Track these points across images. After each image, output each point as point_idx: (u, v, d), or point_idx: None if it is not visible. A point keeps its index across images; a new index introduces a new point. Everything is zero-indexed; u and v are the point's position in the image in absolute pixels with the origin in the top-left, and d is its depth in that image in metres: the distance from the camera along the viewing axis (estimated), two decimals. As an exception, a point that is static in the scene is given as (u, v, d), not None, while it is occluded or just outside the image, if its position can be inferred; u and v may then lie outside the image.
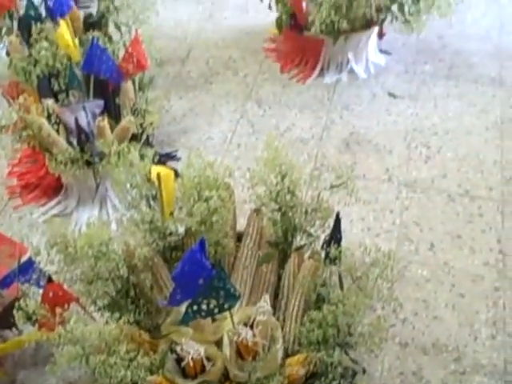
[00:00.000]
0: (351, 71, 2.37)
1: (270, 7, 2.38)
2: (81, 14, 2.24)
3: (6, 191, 1.99)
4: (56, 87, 1.89)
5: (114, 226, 1.83)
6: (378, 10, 2.22)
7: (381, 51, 2.45)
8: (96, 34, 1.97)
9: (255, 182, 1.51)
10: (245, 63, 2.44)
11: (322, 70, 2.37)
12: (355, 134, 2.16)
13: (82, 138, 1.78)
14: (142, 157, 1.58)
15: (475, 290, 1.70)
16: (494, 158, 2.05)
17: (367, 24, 2.27)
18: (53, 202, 1.95)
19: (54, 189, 1.97)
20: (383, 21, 2.30)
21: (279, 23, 2.37)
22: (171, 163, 2.04)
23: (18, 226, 1.88)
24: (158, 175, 1.45)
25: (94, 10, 2.29)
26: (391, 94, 2.30)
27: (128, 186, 1.57)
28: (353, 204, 1.84)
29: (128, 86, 1.94)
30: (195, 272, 1.28)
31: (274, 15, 2.39)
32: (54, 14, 2.09)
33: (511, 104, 2.25)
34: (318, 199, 1.54)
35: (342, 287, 1.44)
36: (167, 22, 2.61)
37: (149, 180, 1.55)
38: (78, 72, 1.94)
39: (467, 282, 1.72)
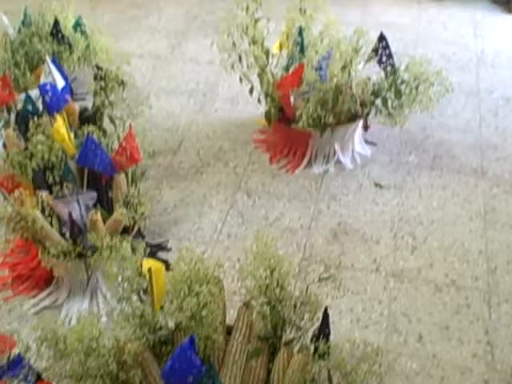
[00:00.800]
0: (338, 162, 2.44)
1: (259, 101, 2.48)
2: (76, 106, 2.33)
3: (-3, 282, 2.00)
4: (51, 180, 1.94)
5: (104, 318, 1.83)
6: (363, 104, 2.32)
7: (366, 142, 2.53)
8: (91, 128, 2.03)
9: (245, 276, 1.54)
10: (235, 154, 2.51)
11: (309, 160, 2.44)
12: (343, 223, 2.20)
13: (75, 231, 1.81)
14: (133, 250, 1.61)
15: None
16: (478, 248, 2.10)
17: (352, 117, 2.36)
18: (44, 294, 1.96)
19: (45, 280, 1.98)
20: (368, 114, 2.40)
21: (268, 116, 2.46)
22: (162, 254, 2.07)
23: (7, 318, 1.88)
24: (150, 270, 1.48)
25: (89, 102, 2.38)
26: (377, 184, 2.37)
27: (119, 279, 1.60)
28: (341, 296, 1.88)
29: (121, 179, 1.99)
30: (185, 369, 1.29)
31: (263, 108, 2.49)
32: (50, 109, 2.17)
33: (493, 194, 2.32)
34: (306, 292, 1.56)
35: (330, 383, 1.44)
36: (160, 113, 2.70)
37: (140, 274, 1.58)
38: (73, 165, 1.99)
39: (456, 374, 1.72)
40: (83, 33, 2.77)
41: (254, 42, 2.34)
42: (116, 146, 2.05)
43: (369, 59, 2.33)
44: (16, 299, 1.95)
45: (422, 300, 1.93)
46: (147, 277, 1.52)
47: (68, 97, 2.33)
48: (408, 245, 2.12)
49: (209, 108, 2.79)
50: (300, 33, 2.37)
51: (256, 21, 2.34)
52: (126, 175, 2.04)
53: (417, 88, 2.26)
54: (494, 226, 2.19)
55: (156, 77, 3.00)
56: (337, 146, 2.41)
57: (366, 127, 2.51)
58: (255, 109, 2.61)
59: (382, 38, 2.35)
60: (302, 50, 2.37)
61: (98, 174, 2.00)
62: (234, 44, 2.34)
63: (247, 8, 2.31)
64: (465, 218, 2.22)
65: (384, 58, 2.37)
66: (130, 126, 2.07)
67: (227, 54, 2.36)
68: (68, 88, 2.40)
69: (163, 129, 2.64)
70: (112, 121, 2.23)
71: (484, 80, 2.97)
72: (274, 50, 2.44)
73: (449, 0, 3.65)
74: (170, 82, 2.97)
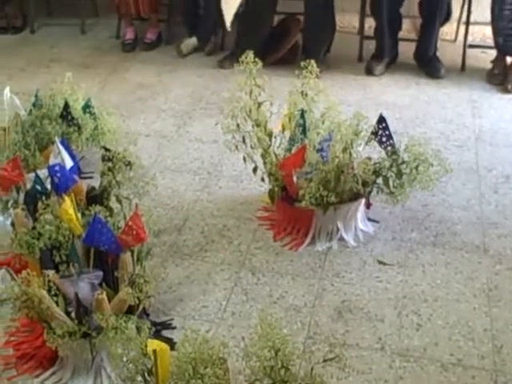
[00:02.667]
0: (341, 239, 2.47)
1: (262, 179, 2.54)
2: (84, 185, 2.38)
3: (1, 361, 1.99)
4: (58, 259, 1.97)
5: (108, 399, 1.82)
6: (364, 183, 2.36)
7: (369, 220, 2.57)
8: (98, 208, 2.07)
9: (249, 357, 1.55)
10: (239, 232, 2.54)
11: (313, 238, 2.47)
12: (347, 301, 2.21)
13: (81, 310, 1.83)
14: (138, 330, 1.62)
15: None
16: (483, 326, 2.09)
17: (355, 196, 2.41)
18: (47, 373, 1.95)
19: (49, 359, 1.97)
20: (370, 193, 2.45)
21: (271, 194, 2.51)
22: (166, 332, 2.07)
23: (10, 398, 1.87)
24: (155, 352, 1.48)
25: (96, 180, 2.43)
26: (380, 262, 2.39)
27: (124, 359, 1.60)
28: (346, 376, 1.87)
29: (126, 258, 2.02)
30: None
31: (266, 186, 2.54)
32: (59, 189, 2.23)
33: (496, 271, 2.34)
34: (311, 374, 1.56)
35: None
36: (165, 192, 2.75)
37: (145, 354, 1.58)
38: (79, 244, 2.03)
39: None
40: (92, 114, 2.86)
41: (257, 124, 2.42)
42: (122, 224, 2.09)
43: (369, 141, 2.40)
44: (20, 379, 1.94)
45: (428, 380, 1.91)
46: (152, 358, 1.53)
47: (76, 177, 2.39)
48: (413, 323, 2.12)
49: (213, 186, 2.85)
50: (302, 115, 2.44)
51: (259, 104, 2.42)
52: (132, 254, 2.07)
53: (417, 168, 2.32)
54: (497, 303, 2.19)
55: (162, 155, 3.07)
56: (340, 224, 2.45)
57: (368, 205, 2.56)
58: (259, 187, 2.67)
59: (381, 119, 2.43)
60: (304, 132, 2.44)
61: (104, 252, 2.04)
62: (237, 126, 2.42)
63: (251, 92, 2.40)
64: (469, 296, 2.23)
65: (384, 139, 2.44)
66: (136, 205, 2.11)
67: (231, 136, 2.43)
68: (76, 168, 2.47)
69: (168, 207, 2.68)
70: (118, 200, 2.28)
71: (483, 158, 3.03)
72: (277, 131, 2.51)
73: (446, 80, 3.78)
74: (176, 160, 3.04)
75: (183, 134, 3.27)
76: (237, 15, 3.72)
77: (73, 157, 2.50)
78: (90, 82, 3.69)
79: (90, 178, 2.69)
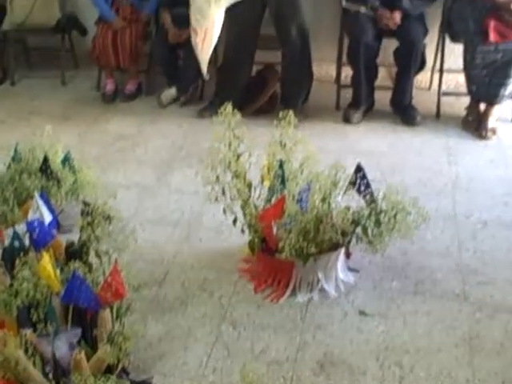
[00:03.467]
0: (322, 290, 2.47)
1: (242, 231, 2.54)
2: (63, 240, 2.37)
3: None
4: (35, 317, 1.94)
5: None
6: (344, 233, 2.38)
7: (349, 270, 2.57)
8: (77, 264, 2.05)
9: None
10: (220, 284, 2.53)
11: (294, 289, 2.46)
12: (329, 354, 2.19)
13: (59, 371, 1.79)
14: (117, 390, 1.60)
15: None
16: (466, 377, 2.09)
17: (334, 246, 2.41)
18: None
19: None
20: (349, 242, 2.46)
21: (252, 246, 2.51)
22: (146, 391, 2.04)
23: None
24: (134, 414, 1.46)
25: (75, 234, 2.40)
26: (362, 312, 2.38)
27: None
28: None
29: (105, 315, 2.00)
30: None
31: (246, 237, 2.54)
32: (37, 245, 2.22)
33: (477, 319, 2.34)
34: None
35: None
36: (145, 245, 2.73)
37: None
38: (58, 302, 2.00)
39: None
40: (71, 167, 2.86)
41: (236, 175, 2.44)
42: (101, 280, 2.07)
43: (347, 190, 2.43)
44: None
45: (412, 434, 1.89)
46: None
47: (55, 232, 2.38)
48: (395, 375, 2.10)
49: (194, 238, 2.84)
50: (281, 166, 2.47)
51: (238, 156, 2.45)
52: (111, 310, 2.04)
53: (395, 217, 2.34)
54: (479, 352, 2.19)
55: (142, 207, 3.07)
56: (320, 275, 2.45)
57: (348, 255, 2.56)
58: (239, 238, 2.66)
59: (359, 168, 2.46)
60: (282, 182, 2.46)
61: (82, 309, 2.01)
62: (217, 178, 2.43)
63: (230, 144, 2.43)
64: (450, 345, 2.22)
65: (362, 188, 2.46)
66: (116, 260, 2.10)
67: (211, 187, 2.44)
68: (55, 222, 2.46)
69: (149, 260, 2.67)
70: (98, 255, 2.26)
71: (460, 204, 3.07)
72: (257, 182, 2.53)
73: (422, 127, 3.84)
74: (156, 212, 3.04)
75: (163, 185, 3.28)
76: (217, 66, 3.76)
77: (52, 211, 2.49)
78: (70, 133, 3.71)
79: (70, 231, 2.67)
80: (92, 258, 2.27)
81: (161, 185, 3.28)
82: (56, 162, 2.86)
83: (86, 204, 2.34)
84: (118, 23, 4.19)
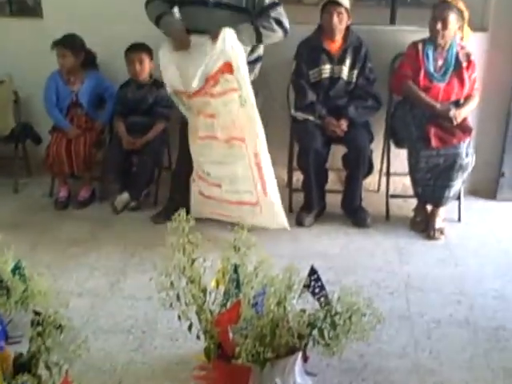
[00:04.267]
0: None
1: (198, 337, 2.50)
2: (11, 351, 2.28)
3: None
4: None
5: None
6: (300, 336, 2.36)
7: (307, 373, 2.53)
8: (25, 377, 1.98)
9: None
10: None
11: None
12: None
13: None
14: None
15: None
16: None
17: (291, 350, 2.39)
18: None
19: None
20: (306, 345, 2.44)
21: (208, 352, 2.46)
22: None
23: None
24: None
25: (25, 344, 2.32)
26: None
27: None
28: None
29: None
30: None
31: (202, 343, 2.49)
32: (-16, 358, 2.13)
33: (437, 421, 2.32)
34: None
35: None
36: (98, 354, 2.66)
37: None
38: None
39: None
40: (22, 276, 2.80)
41: (191, 281, 2.43)
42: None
43: (302, 293, 2.44)
44: None
45: None
46: None
47: (2, 343, 2.30)
48: None
49: (148, 345, 2.78)
50: (235, 270, 2.48)
51: (193, 261, 2.45)
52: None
53: (350, 318, 2.35)
54: None
55: (94, 315, 3.00)
56: (278, 380, 2.39)
57: (305, 358, 2.53)
58: (195, 344, 2.61)
59: (312, 271, 2.49)
60: (237, 286, 2.46)
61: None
62: (171, 283, 2.41)
63: (184, 249, 2.43)
64: None
65: (317, 290, 2.48)
66: (66, 372, 2.03)
67: (165, 293, 2.42)
68: (3, 333, 2.38)
69: (101, 371, 2.58)
70: (47, 366, 2.18)
71: (414, 304, 3.11)
72: (211, 287, 2.52)
73: (373, 229, 3.94)
74: (109, 319, 2.97)
75: (116, 291, 3.23)
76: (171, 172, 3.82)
77: (0, 321, 2.42)
78: (22, 241, 3.65)
79: (19, 342, 2.58)
80: (41, 370, 2.19)
81: (114, 291, 3.23)
82: (6, 271, 2.80)
83: (36, 313, 2.28)
84: (72, 132, 4.26)
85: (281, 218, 3.72)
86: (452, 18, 3.71)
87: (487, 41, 4.19)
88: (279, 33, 3.58)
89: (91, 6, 4.35)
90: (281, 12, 3.60)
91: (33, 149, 4.72)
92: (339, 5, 3.81)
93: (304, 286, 2.46)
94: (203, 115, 3.56)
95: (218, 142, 3.57)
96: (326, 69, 3.94)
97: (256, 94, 3.63)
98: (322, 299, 2.46)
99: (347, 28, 3.92)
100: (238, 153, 3.54)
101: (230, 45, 3.33)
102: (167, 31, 3.57)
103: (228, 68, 3.36)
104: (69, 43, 4.21)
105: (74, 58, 4.24)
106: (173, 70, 3.54)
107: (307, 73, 3.95)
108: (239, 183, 3.63)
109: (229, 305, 2.45)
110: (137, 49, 4.16)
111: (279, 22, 3.58)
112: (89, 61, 4.38)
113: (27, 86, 4.59)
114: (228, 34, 3.32)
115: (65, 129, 4.27)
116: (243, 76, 3.38)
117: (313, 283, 2.48)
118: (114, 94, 4.37)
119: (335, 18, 3.82)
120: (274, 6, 3.58)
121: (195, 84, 3.41)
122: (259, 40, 3.56)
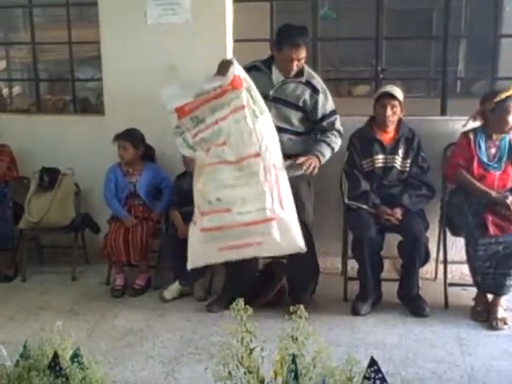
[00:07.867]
0: None
1: None
2: None
3: None
4: None
5: None
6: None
7: None
8: None
9: None
10: None
11: None
12: None
13: None
14: None
15: None
16: None
17: None
18: None
19: None
20: None
21: None
22: None
23: None
24: None
25: None
26: None
27: None
28: None
29: None
30: None
31: None
32: None
33: None
34: None
35: None
36: None
37: None
38: None
39: None
40: (80, 364, 2.81)
41: (249, 371, 2.39)
42: None
43: (362, 385, 2.37)
44: None
45: None
46: None
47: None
48: None
49: None
50: (293, 360, 2.43)
51: (251, 351, 2.42)
52: None
53: (414, 413, 2.27)
54: None
55: None
56: None
57: None
58: None
59: (372, 362, 2.42)
60: (296, 378, 2.41)
61: None
62: (229, 373, 2.39)
63: (242, 339, 2.42)
64: None
65: (377, 382, 2.41)
66: None
67: (223, 383, 2.38)
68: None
69: None
70: None
71: (479, 395, 2.97)
72: (270, 377, 2.48)
73: (431, 318, 3.83)
74: None
75: (171, 381, 3.20)
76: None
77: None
78: (79, 329, 3.70)
79: None
80: None
81: (169, 381, 3.20)
82: (65, 358, 2.82)
83: None
84: (130, 222, 4.38)
85: (298, 241, 3.53)
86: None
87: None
88: (340, 142, 3.87)
89: (149, 104, 4.47)
90: (339, 120, 3.85)
91: (91, 238, 4.87)
92: (394, 97, 3.90)
93: (364, 378, 2.39)
94: (214, 145, 3.52)
95: (229, 165, 3.51)
96: (379, 159, 3.99)
97: (308, 185, 3.69)
98: (383, 392, 2.38)
99: (399, 119, 3.99)
100: (251, 171, 3.46)
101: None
102: None
103: (236, 84, 3.43)
104: (130, 136, 4.41)
105: (133, 151, 4.42)
106: None
107: (360, 162, 4.01)
108: (252, 203, 3.48)
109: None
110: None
111: (340, 133, 3.85)
112: (148, 155, 4.56)
113: (87, 179, 4.79)
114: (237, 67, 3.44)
115: (123, 218, 4.40)
116: (253, 88, 3.47)
117: (373, 375, 2.41)
118: (171, 184, 4.50)
119: (389, 111, 3.90)
120: (333, 114, 3.84)
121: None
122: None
